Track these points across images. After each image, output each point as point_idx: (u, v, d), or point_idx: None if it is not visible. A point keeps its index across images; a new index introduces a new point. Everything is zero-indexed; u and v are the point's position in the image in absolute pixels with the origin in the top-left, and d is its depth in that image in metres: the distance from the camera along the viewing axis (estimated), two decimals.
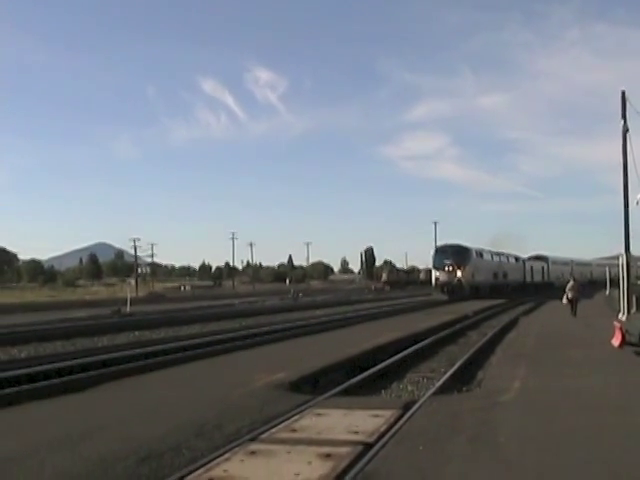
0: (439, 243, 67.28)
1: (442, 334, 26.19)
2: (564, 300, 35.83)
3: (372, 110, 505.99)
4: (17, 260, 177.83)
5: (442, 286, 63.52)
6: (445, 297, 60.80)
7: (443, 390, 13.81)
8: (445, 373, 16.45)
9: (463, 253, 64.65)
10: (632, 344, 18.00)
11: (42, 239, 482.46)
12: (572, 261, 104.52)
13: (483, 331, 29.24)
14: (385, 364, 17.45)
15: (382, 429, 9.50)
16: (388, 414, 10.59)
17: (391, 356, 18.86)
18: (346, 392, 13.38)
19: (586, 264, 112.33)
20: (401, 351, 19.98)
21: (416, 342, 22.54)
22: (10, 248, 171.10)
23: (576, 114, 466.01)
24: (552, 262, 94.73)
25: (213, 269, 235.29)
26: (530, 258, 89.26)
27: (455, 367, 17.03)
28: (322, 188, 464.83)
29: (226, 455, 8.10)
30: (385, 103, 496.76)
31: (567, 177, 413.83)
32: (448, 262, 63.19)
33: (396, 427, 9.64)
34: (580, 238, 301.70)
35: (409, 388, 15.37)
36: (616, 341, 18.27)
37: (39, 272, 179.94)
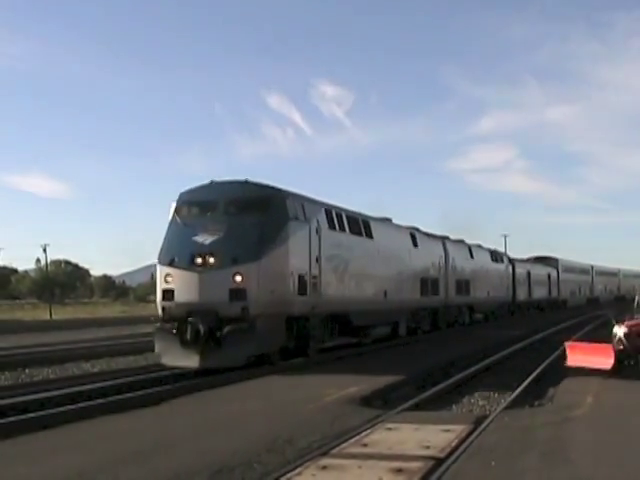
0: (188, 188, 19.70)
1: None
2: None
3: (438, 123, 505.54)
4: (89, 276, 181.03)
5: (179, 321, 17.09)
6: (193, 364, 16.96)
7: (515, 404, 13.64)
8: (517, 387, 16.20)
9: (260, 208, 18.07)
10: None
11: (114, 255, 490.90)
12: (592, 268, 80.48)
13: None
14: (456, 378, 17.28)
15: (454, 444, 9.42)
16: (459, 429, 10.50)
17: (461, 370, 18.68)
18: (417, 406, 13.30)
19: (611, 273, 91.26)
20: (471, 365, 19.74)
21: (486, 356, 22.21)
22: (82, 264, 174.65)
23: None
24: (564, 268, 65.60)
25: None
26: (529, 260, 60.46)
27: (527, 381, 16.76)
28: (388, 199, 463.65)
29: (297, 470, 8.12)
30: (451, 116, 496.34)
31: (637, 189, 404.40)
32: (206, 240, 17.45)
33: (467, 442, 9.56)
34: None
35: (480, 402, 15.18)
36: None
37: (111, 287, 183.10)
